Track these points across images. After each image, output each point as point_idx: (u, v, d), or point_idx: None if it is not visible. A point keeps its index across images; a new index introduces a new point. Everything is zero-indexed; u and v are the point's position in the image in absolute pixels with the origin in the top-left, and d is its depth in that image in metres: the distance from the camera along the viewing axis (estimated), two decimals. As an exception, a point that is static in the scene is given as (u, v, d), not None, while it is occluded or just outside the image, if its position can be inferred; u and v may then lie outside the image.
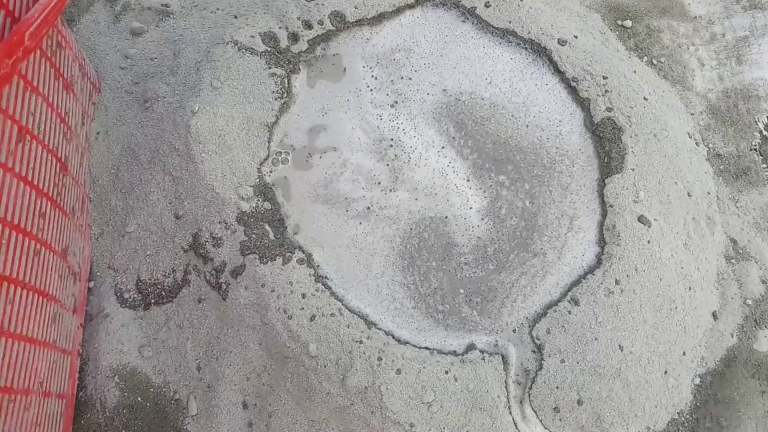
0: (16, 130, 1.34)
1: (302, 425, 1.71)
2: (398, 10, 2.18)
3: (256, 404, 1.74)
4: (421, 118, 2.04)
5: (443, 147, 2.00)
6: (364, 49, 2.14)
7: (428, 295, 1.82)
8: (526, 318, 1.80)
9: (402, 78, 2.11)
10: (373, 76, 2.10)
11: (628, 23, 2.34)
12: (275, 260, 1.77)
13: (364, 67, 2.12)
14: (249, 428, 1.74)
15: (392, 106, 2.06)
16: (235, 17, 2.11)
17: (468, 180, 1.95)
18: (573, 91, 2.10)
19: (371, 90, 2.08)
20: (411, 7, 2.20)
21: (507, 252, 1.87)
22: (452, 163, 1.97)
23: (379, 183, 1.94)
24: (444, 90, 2.09)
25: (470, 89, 2.09)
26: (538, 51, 2.15)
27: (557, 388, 1.72)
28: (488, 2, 2.20)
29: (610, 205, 1.89)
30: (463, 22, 2.21)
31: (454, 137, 2.01)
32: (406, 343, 1.74)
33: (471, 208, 1.92)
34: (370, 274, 1.84)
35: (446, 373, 1.68)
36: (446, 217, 1.90)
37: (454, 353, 1.74)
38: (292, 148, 1.98)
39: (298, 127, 2.01)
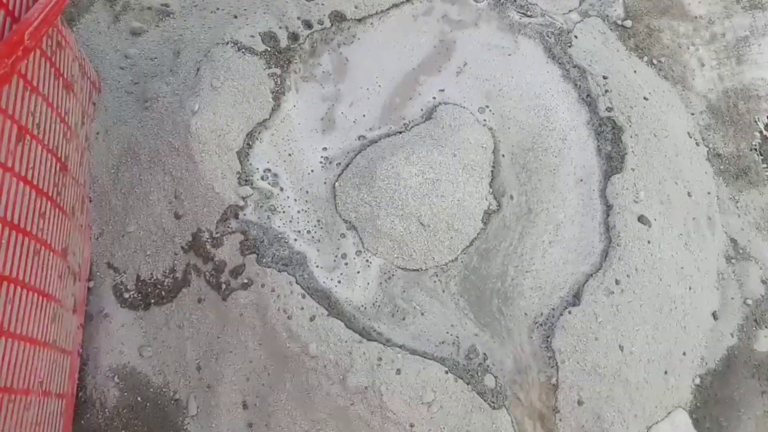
0: (16, 130, 1.34)
1: (302, 425, 1.71)
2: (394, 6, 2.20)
3: (256, 404, 1.74)
4: (421, 118, 2.05)
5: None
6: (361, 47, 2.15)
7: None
8: (527, 318, 1.80)
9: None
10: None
11: (628, 23, 2.34)
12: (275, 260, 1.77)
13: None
14: (249, 428, 1.74)
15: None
16: (235, 17, 2.11)
17: (468, 180, 1.96)
18: (573, 91, 2.10)
19: (371, 90, 2.08)
20: (408, 1, 2.21)
21: (510, 252, 1.87)
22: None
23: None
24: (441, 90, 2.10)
25: (470, 89, 2.10)
26: (538, 51, 2.15)
27: (557, 388, 1.72)
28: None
29: (611, 205, 1.89)
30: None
31: (454, 137, 2.02)
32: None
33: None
34: (370, 274, 1.84)
35: (446, 373, 1.68)
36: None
37: (456, 353, 1.74)
38: (292, 148, 1.97)
39: (298, 127, 2.01)
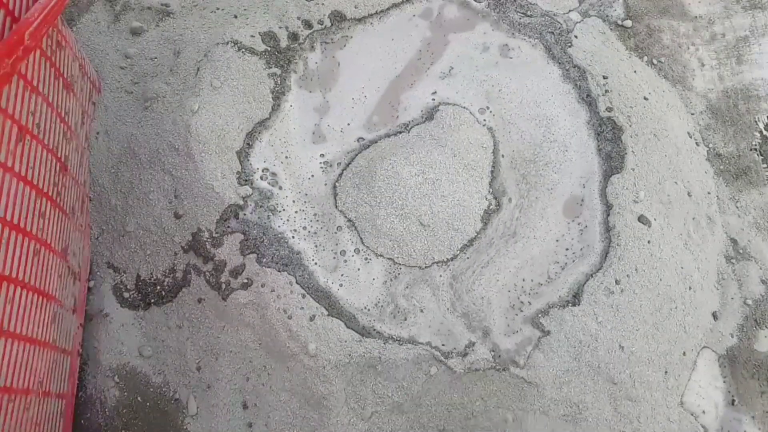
0: (16, 130, 1.34)
1: (302, 425, 1.71)
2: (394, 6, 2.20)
3: (255, 404, 1.74)
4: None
5: (443, 147, 2.00)
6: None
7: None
8: (527, 318, 1.80)
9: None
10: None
11: (628, 23, 2.33)
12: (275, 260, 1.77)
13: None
14: (249, 428, 1.74)
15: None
16: (235, 17, 2.10)
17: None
18: (573, 91, 2.10)
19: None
20: (408, 1, 2.21)
21: (510, 253, 1.87)
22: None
23: (379, 183, 1.93)
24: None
25: (470, 89, 2.10)
26: (538, 51, 2.15)
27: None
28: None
29: (611, 205, 1.89)
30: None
31: (454, 137, 2.01)
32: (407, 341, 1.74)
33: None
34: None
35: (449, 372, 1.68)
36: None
37: (455, 352, 1.74)
38: (292, 148, 1.97)
39: (298, 126, 2.01)
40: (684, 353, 1.86)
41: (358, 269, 1.83)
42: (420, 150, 1.93)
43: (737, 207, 2.13)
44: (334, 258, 1.84)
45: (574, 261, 1.85)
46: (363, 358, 1.69)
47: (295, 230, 1.86)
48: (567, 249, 1.86)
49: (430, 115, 2.03)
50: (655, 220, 1.89)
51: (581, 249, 1.87)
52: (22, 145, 1.37)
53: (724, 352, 1.92)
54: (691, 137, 2.17)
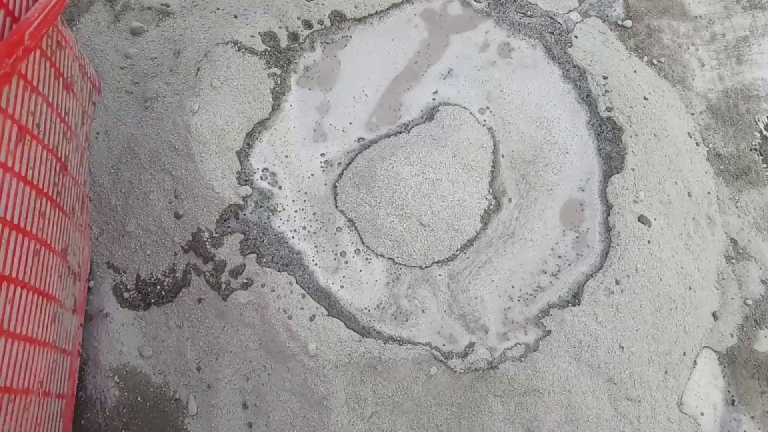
0: (16, 130, 1.34)
1: (302, 425, 1.71)
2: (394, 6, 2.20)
3: (255, 404, 1.74)
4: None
5: (443, 147, 2.00)
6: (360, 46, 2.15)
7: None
8: (528, 318, 1.80)
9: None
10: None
11: (628, 23, 2.33)
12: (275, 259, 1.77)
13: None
14: (249, 428, 1.74)
15: (392, 105, 2.06)
16: (235, 17, 2.10)
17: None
18: (573, 91, 2.10)
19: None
20: (408, 1, 2.21)
21: (507, 254, 1.87)
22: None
23: (379, 183, 1.93)
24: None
25: (470, 89, 2.10)
26: (538, 51, 2.15)
27: (557, 388, 1.72)
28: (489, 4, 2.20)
29: (611, 205, 1.89)
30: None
31: (454, 137, 2.01)
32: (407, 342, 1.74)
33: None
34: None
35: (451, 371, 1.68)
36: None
37: (455, 352, 1.74)
38: (292, 147, 1.98)
39: (298, 126, 2.01)
40: (684, 353, 1.86)
41: (360, 270, 1.83)
42: (420, 150, 1.93)
43: (737, 207, 2.13)
44: (335, 259, 1.84)
45: (570, 265, 1.85)
46: (363, 358, 1.69)
47: (295, 230, 1.86)
48: (560, 257, 1.87)
49: (430, 115, 2.03)
50: (655, 220, 1.89)
51: (577, 254, 1.87)
52: (22, 145, 1.37)
53: (724, 352, 1.92)
54: (691, 137, 2.17)
